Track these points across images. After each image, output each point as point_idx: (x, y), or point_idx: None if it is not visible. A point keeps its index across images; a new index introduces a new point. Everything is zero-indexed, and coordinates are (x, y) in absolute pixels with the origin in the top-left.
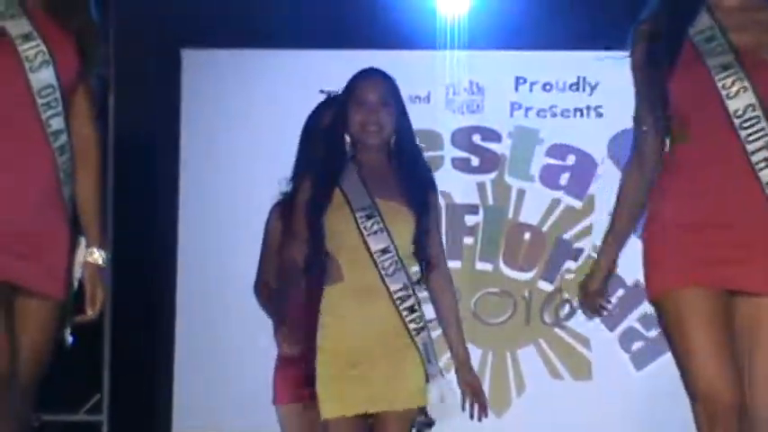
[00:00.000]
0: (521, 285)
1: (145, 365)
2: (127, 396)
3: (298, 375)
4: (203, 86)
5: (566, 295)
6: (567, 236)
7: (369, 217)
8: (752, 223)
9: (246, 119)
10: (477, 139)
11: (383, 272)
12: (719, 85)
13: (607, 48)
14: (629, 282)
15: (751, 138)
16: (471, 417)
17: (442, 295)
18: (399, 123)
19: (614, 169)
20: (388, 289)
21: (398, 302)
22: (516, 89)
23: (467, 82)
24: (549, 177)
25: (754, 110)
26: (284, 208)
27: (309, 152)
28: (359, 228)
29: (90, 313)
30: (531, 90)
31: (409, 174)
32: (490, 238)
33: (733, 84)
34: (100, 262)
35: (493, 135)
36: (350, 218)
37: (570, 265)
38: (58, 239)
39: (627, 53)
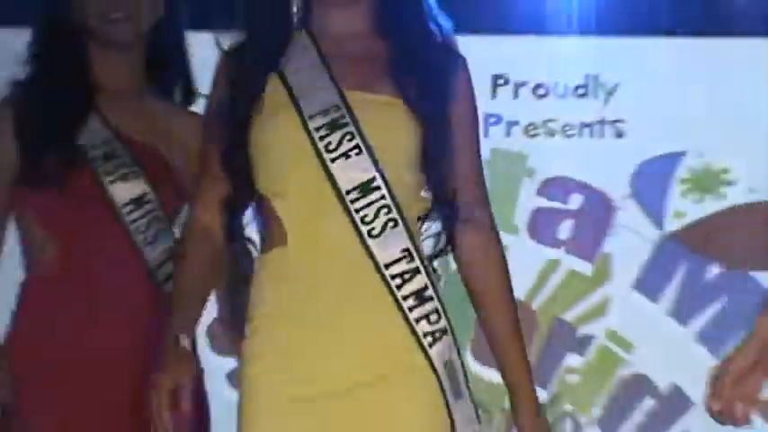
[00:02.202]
0: (498, 392)
1: None
2: None
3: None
4: None
5: (567, 407)
6: (568, 316)
7: (333, 126)
8: None
9: None
10: None
11: (363, 228)
12: None
13: None
14: (662, 386)
15: None
16: None
17: (486, 275)
18: None
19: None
20: (373, 259)
21: (394, 284)
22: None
23: None
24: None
25: None
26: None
27: None
28: (316, 148)
29: None
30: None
31: (409, 42)
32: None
33: None
34: None
35: None
36: (298, 130)
37: (572, 361)
38: None
39: None
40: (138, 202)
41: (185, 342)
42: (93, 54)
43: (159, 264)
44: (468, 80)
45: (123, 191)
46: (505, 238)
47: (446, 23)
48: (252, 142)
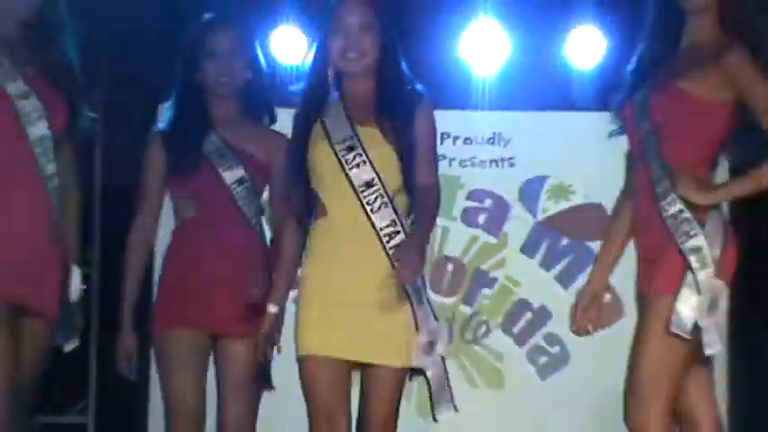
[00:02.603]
0: (445, 309)
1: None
2: (109, 400)
3: (185, 299)
4: None
5: (483, 317)
6: (484, 266)
7: (350, 149)
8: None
9: None
10: None
11: (368, 207)
12: None
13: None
14: (535, 305)
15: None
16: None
17: (423, 200)
18: (384, 47)
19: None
20: (373, 226)
21: (386, 240)
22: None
23: None
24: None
25: None
26: (167, 137)
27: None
28: (339, 161)
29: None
30: (454, 144)
31: (388, 99)
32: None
33: None
34: (82, 288)
35: None
36: (329, 151)
37: (486, 291)
38: (53, 270)
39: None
40: (239, 181)
41: (273, 309)
42: (209, 99)
43: (252, 216)
44: (428, 115)
45: (230, 175)
46: (448, 223)
47: (418, 86)
48: (308, 163)
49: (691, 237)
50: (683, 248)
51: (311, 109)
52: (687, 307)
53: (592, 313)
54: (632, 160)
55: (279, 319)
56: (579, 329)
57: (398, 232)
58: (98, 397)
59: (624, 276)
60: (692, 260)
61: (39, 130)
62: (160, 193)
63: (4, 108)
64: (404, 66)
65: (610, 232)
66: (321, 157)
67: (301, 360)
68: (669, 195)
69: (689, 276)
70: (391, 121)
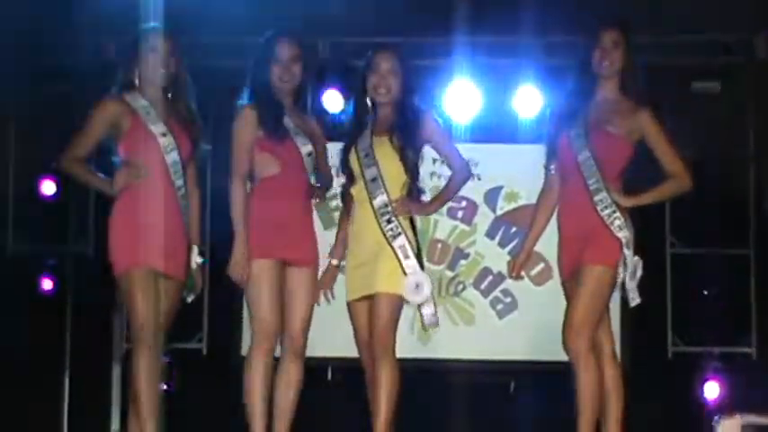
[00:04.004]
0: (435, 273)
1: (228, 314)
2: (216, 333)
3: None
4: None
5: (461, 278)
6: (461, 245)
7: (366, 155)
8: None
9: None
10: None
11: (371, 194)
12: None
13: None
14: (495, 271)
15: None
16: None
17: (451, 181)
18: (404, 87)
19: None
20: (372, 206)
21: (380, 216)
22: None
23: None
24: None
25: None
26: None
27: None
28: (360, 165)
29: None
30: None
31: (400, 119)
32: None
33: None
34: (200, 261)
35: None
36: (355, 157)
37: (462, 262)
38: (182, 248)
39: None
40: (309, 153)
41: (334, 262)
42: (279, 96)
43: (309, 178)
44: (432, 120)
45: (303, 147)
46: (437, 216)
47: (423, 106)
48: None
49: (621, 228)
50: (618, 235)
51: (352, 136)
52: (621, 273)
53: (524, 266)
54: (549, 172)
55: (336, 269)
56: (516, 277)
57: (389, 212)
58: (208, 331)
59: (552, 252)
60: (623, 241)
61: (172, 157)
62: (253, 148)
63: (152, 143)
64: (415, 97)
65: (534, 216)
66: (353, 160)
67: (347, 304)
68: (606, 200)
69: (622, 254)
70: (398, 133)
